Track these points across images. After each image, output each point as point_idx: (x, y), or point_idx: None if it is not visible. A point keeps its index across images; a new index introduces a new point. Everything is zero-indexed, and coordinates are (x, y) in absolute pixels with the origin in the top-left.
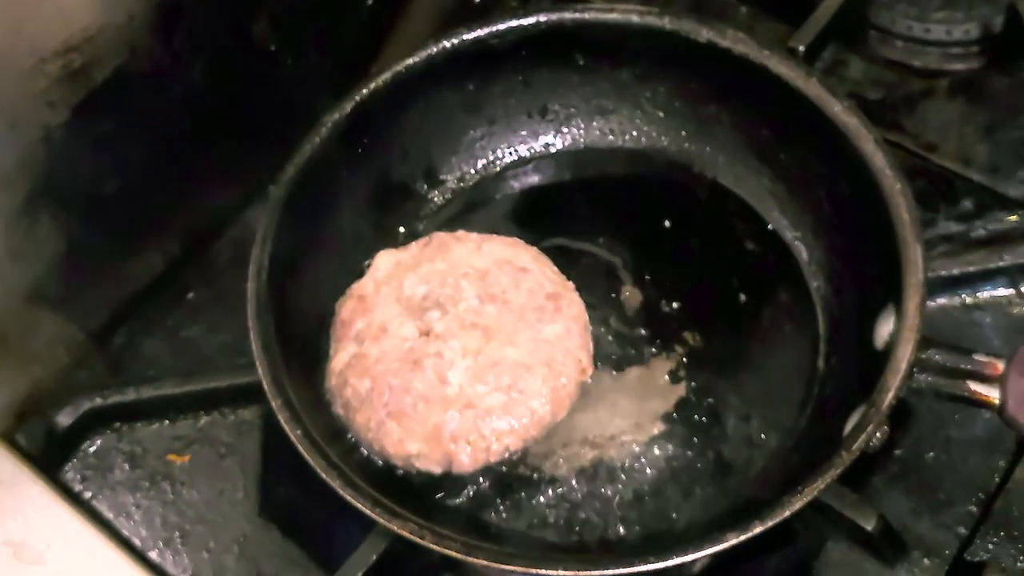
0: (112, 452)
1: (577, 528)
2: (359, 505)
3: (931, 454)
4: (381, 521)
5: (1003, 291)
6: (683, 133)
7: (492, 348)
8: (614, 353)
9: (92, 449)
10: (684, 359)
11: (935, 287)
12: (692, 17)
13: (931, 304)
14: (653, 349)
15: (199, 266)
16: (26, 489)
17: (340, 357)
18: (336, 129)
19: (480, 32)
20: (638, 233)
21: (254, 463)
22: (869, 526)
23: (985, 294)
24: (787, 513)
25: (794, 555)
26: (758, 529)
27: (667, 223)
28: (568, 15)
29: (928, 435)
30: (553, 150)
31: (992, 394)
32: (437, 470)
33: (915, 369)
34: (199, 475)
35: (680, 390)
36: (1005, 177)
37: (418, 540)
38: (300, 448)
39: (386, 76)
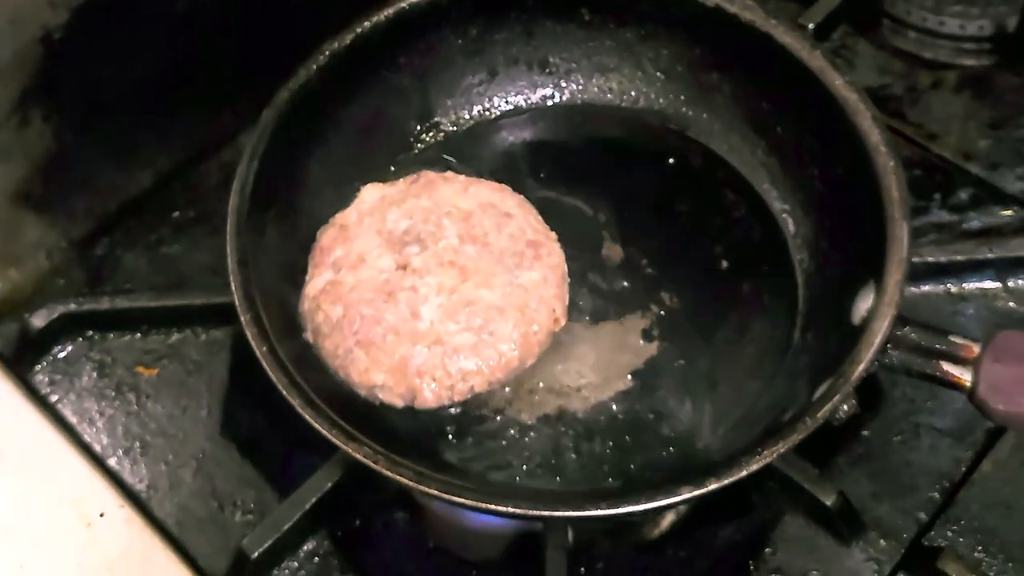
0: (82, 359)
1: (534, 473)
2: (316, 425)
3: (899, 438)
4: (337, 443)
5: (990, 283)
6: (682, 98)
7: (467, 288)
8: (590, 307)
9: (63, 354)
10: (659, 319)
11: (921, 273)
12: None
13: (916, 290)
14: (629, 307)
15: (187, 185)
16: None
17: (315, 283)
18: (334, 59)
19: None
20: (626, 193)
21: (221, 383)
22: (828, 501)
23: (972, 285)
24: (743, 473)
25: (750, 526)
26: (713, 486)
27: (657, 185)
28: None
29: (898, 420)
30: (550, 103)
31: (965, 376)
32: (399, 403)
33: (889, 345)
34: (165, 389)
35: (652, 349)
36: (1004, 173)
37: (372, 464)
38: (264, 364)
39: (389, 11)
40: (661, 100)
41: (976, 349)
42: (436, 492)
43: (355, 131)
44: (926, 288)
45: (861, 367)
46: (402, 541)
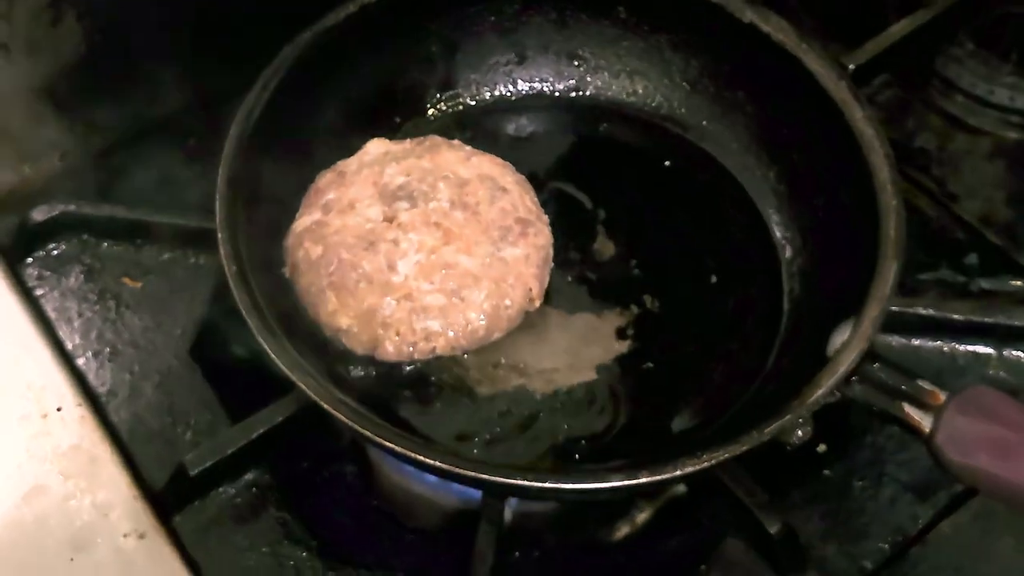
0: (73, 260)
1: (481, 443)
2: (268, 349)
3: (861, 483)
4: (282, 366)
5: (984, 348)
6: (704, 111)
7: (448, 251)
8: (570, 296)
9: (56, 253)
10: (636, 319)
11: (916, 326)
12: None
13: (907, 342)
14: (609, 302)
15: (208, 116)
16: None
17: (303, 221)
18: (364, 11)
19: None
20: (631, 194)
21: (200, 307)
22: (772, 529)
23: (966, 347)
24: (677, 473)
25: (693, 543)
26: (643, 479)
27: (662, 192)
28: None
29: (863, 466)
30: (573, 95)
31: (925, 422)
32: (360, 351)
33: (855, 378)
34: (146, 303)
35: (623, 347)
36: (1021, 245)
37: (312, 394)
38: (231, 284)
39: None
40: (683, 110)
41: (942, 397)
42: (369, 434)
43: (373, 86)
44: (917, 342)
45: (820, 392)
46: (344, 493)
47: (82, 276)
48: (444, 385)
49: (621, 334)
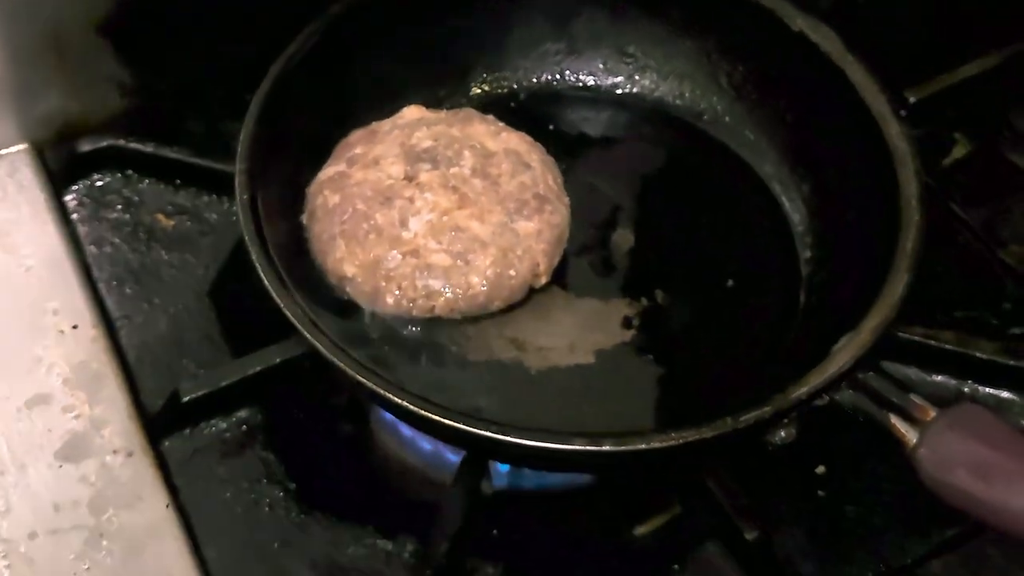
0: (114, 193)
1: (469, 405)
2: (268, 286)
3: (853, 508)
4: (283, 310)
5: (1008, 394)
6: (746, 119)
7: (460, 215)
8: (581, 279)
9: (99, 183)
10: (644, 312)
11: (937, 359)
12: (791, 2)
13: (928, 377)
14: (619, 291)
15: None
16: (30, 194)
17: (327, 171)
18: None
19: None
20: (660, 193)
21: (226, 251)
22: (749, 536)
23: (987, 390)
24: (642, 446)
25: (671, 540)
26: (606, 447)
27: (693, 195)
28: None
29: (860, 492)
30: (618, 92)
31: (911, 435)
32: (362, 302)
33: (846, 384)
34: (176, 241)
35: (626, 336)
36: None
37: (306, 334)
38: (240, 215)
39: None
40: (727, 117)
41: (932, 413)
42: (354, 373)
43: (420, 54)
44: (939, 378)
45: (804, 389)
46: (335, 448)
47: (120, 207)
48: (440, 348)
49: (626, 323)
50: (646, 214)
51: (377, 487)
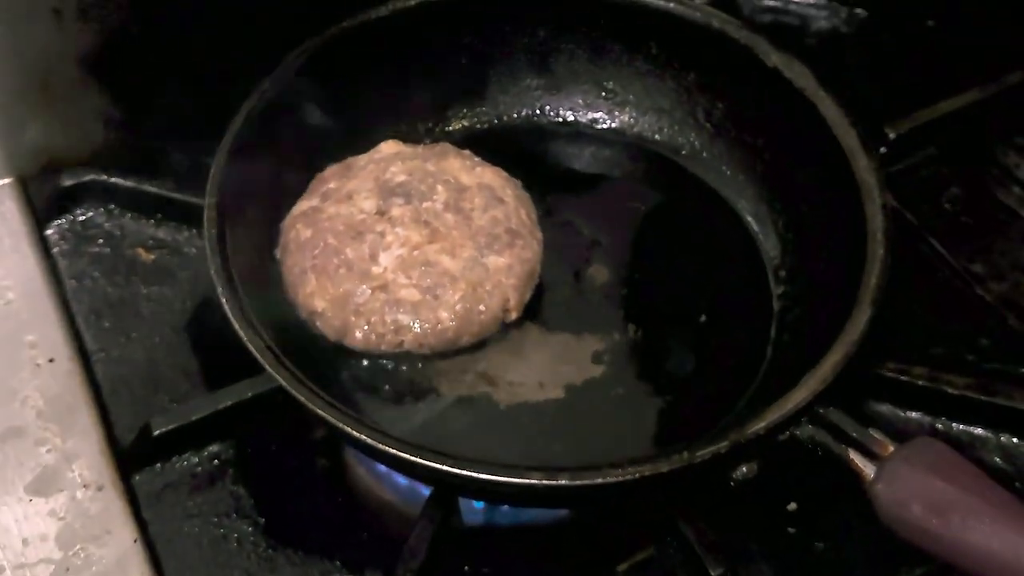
0: (96, 227)
1: (435, 442)
2: (235, 325)
3: (822, 544)
4: (249, 347)
5: (981, 431)
6: (725, 156)
7: (431, 250)
8: (553, 314)
9: (82, 218)
10: (615, 346)
11: (910, 395)
12: (767, 39)
13: (903, 413)
14: (591, 326)
15: None
16: (12, 227)
17: (301, 205)
18: (396, 14)
19: None
20: (637, 228)
21: (204, 286)
22: (715, 573)
23: (962, 427)
24: (598, 480)
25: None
26: (563, 481)
27: (669, 230)
28: (654, 0)
29: (829, 531)
30: (598, 127)
31: (868, 470)
32: (332, 336)
33: (806, 419)
34: (154, 275)
35: (596, 371)
36: None
37: (266, 366)
38: (209, 258)
39: None
40: (705, 153)
41: (891, 448)
42: (317, 409)
43: (399, 89)
44: (914, 415)
45: (761, 425)
46: (306, 483)
47: (101, 242)
48: (410, 383)
49: (597, 358)
50: (622, 249)
51: (347, 522)
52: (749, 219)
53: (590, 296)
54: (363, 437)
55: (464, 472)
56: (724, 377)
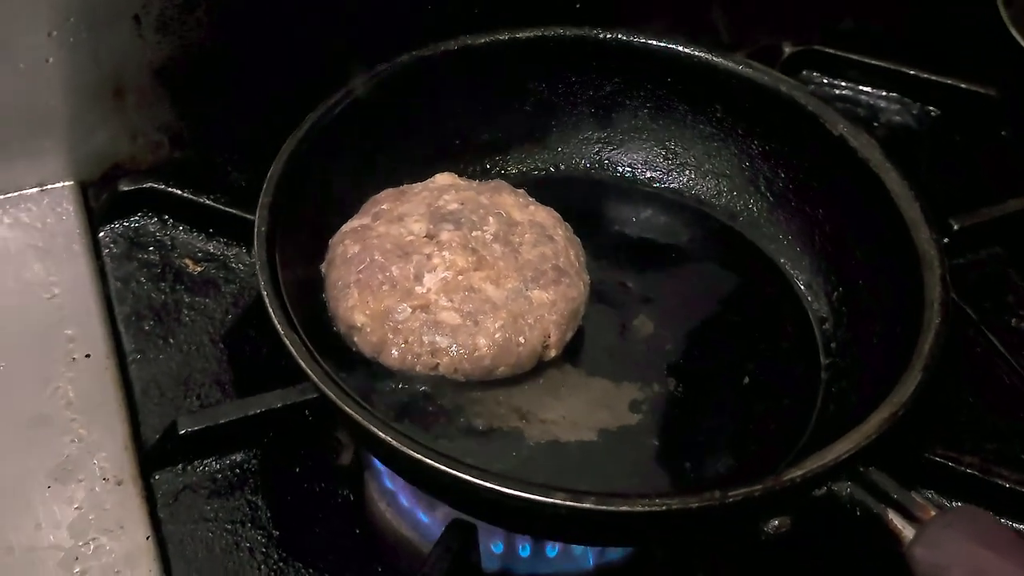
0: (148, 235)
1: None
2: (281, 332)
3: None
4: (296, 357)
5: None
6: (783, 225)
7: (476, 276)
8: (594, 359)
9: (135, 225)
10: (654, 397)
11: (960, 484)
12: (834, 107)
13: (950, 504)
14: (631, 375)
15: None
16: (67, 227)
17: (352, 223)
18: (465, 52)
19: (645, 41)
20: (688, 289)
21: (247, 302)
22: None
23: (1011, 524)
24: (623, 508)
25: None
26: (587, 504)
27: (721, 294)
28: (723, 61)
29: None
30: (654, 186)
31: (907, 532)
32: (368, 352)
33: (846, 475)
34: (200, 287)
35: (632, 419)
36: None
37: (317, 381)
38: (256, 245)
39: (531, 33)
40: (762, 221)
41: (932, 512)
42: (365, 423)
43: (459, 123)
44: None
45: (799, 473)
46: (325, 506)
47: (151, 250)
48: (441, 410)
49: (635, 407)
50: (670, 306)
51: (361, 550)
52: (802, 288)
53: (633, 346)
54: (389, 439)
55: (484, 483)
56: (763, 441)
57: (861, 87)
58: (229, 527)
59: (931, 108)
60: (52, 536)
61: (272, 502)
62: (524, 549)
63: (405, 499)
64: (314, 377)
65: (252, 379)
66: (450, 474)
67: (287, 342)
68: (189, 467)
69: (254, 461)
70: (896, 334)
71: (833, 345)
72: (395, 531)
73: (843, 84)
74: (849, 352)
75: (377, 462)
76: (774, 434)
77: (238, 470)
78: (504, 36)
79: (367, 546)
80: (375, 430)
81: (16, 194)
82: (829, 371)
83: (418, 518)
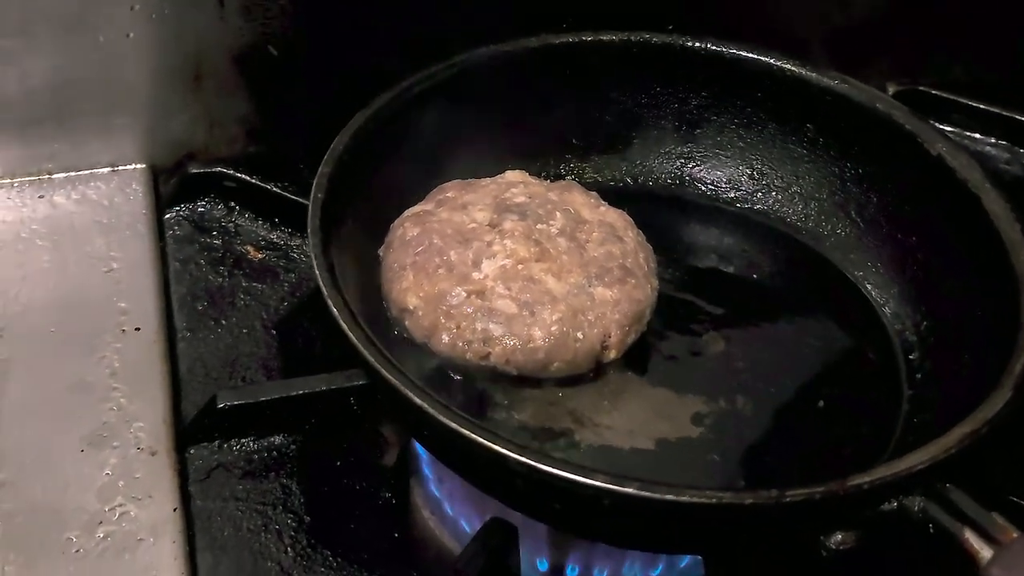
0: (213, 220)
1: None
2: (336, 313)
3: None
4: (352, 339)
5: None
6: (872, 251)
7: (536, 268)
8: (658, 368)
9: (200, 208)
10: (719, 413)
11: None
12: (932, 126)
13: None
14: (697, 388)
15: None
16: (134, 208)
17: (414, 208)
18: (548, 50)
19: (736, 52)
20: (766, 309)
21: (304, 292)
22: None
23: None
24: (669, 497)
25: None
26: (629, 489)
27: (800, 319)
28: (818, 76)
29: None
30: (737, 205)
31: (985, 552)
32: (418, 336)
33: (920, 489)
34: (258, 273)
35: (693, 432)
36: None
37: (380, 369)
38: (310, 212)
39: (616, 36)
40: (851, 246)
41: (1014, 535)
42: (434, 412)
43: (537, 123)
44: None
45: (866, 479)
46: (362, 501)
47: (214, 234)
48: (491, 403)
49: (697, 420)
50: (746, 325)
51: (397, 552)
52: (888, 316)
53: (701, 361)
54: (442, 418)
55: (531, 462)
56: (834, 467)
57: (967, 132)
58: (259, 508)
59: None
60: (79, 498)
61: (307, 490)
62: (572, 570)
63: (450, 507)
64: (365, 352)
65: (300, 369)
66: (512, 457)
67: (330, 303)
68: (225, 445)
69: (293, 447)
70: (987, 363)
71: (919, 376)
72: (436, 539)
73: (948, 129)
74: (934, 384)
75: (424, 465)
76: (847, 460)
77: (275, 453)
78: (588, 37)
79: (404, 550)
80: (429, 408)
81: (88, 172)
82: (912, 403)
83: (461, 528)
